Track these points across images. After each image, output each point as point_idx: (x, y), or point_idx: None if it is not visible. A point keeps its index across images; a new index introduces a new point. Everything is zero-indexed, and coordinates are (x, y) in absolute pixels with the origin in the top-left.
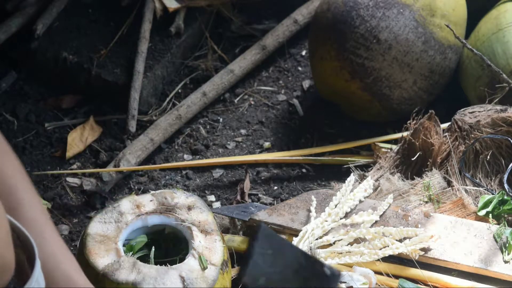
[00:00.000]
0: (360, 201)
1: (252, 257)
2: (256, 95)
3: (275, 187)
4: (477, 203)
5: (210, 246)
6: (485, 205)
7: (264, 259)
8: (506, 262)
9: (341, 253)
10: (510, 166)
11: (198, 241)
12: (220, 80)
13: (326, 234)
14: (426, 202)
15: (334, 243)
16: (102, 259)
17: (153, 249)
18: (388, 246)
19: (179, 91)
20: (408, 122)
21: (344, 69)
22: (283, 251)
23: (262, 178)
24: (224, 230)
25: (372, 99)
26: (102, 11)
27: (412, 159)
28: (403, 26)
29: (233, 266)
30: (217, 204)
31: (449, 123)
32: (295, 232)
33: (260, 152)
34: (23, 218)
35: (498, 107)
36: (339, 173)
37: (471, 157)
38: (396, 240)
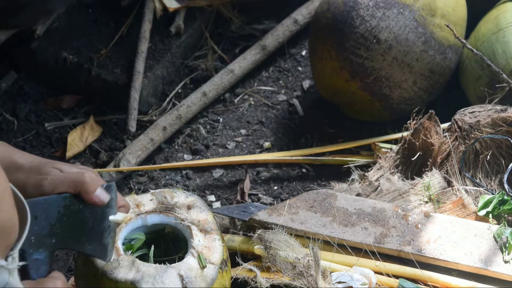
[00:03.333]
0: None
1: (27, 209)
2: (256, 95)
3: (275, 187)
4: (477, 203)
5: (209, 245)
6: (485, 205)
7: (33, 230)
8: (506, 262)
9: None
10: (510, 166)
11: (198, 240)
12: (220, 80)
13: None
14: (426, 202)
15: None
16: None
17: (152, 247)
18: None
19: (179, 91)
20: (408, 122)
21: (344, 69)
22: (42, 209)
23: (262, 178)
24: (224, 230)
25: (372, 99)
26: (102, 11)
27: (412, 159)
28: (403, 26)
29: (233, 266)
30: (217, 204)
31: (449, 123)
32: (295, 232)
33: (260, 152)
34: None
35: (498, 107)
36: (339, 173)
37: (471, 157)
38: None
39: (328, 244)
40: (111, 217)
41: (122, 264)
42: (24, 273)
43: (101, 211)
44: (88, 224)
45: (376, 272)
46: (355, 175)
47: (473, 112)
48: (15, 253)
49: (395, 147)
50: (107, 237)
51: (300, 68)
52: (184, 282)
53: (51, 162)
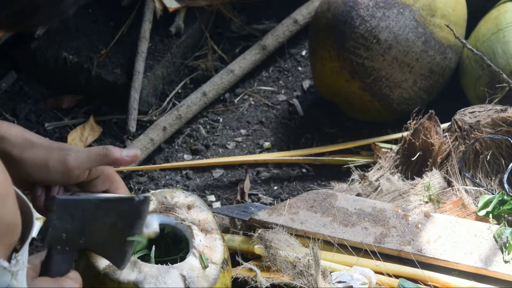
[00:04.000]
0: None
1: (50, 225)
2: (256, 95)
3: (275, 187)
4: (477, 203)
5: (210, 245)
6: (485, 205)
7: (62, 222)
8: (506, 262)
9: None
10: (510, 166)
11: (199, 240)
12: (220, 80)
13: None
14: (426, 202)
15: None
16: (102, 259)
17: (153, 248)
18: None
19: (179, 91)
20: (408, 122)
21: (344, 69)
22: (80, 209)
23: (262, 178)
24: (224, 230)
25: (372, 99)
26: (102, 11)
27: (412, 159)
28: (403, 26)
29: (233, 266)
30: (217, 204)
31: (449, 123)
32: (296, 232)
33: (260, 152)
34: None
35: (498, 107)
36: (339, 173)
37: (471, 157)
38: None
39: (328, 243)
40: (147, 231)
41: None
42: (45, 268)
43: (132, 221)
44: (116, 231)
45: (376, 272)
46: (355, 175)
47: (473, 112)
48: (20, 256)
49: (395, 147)
50: (129, 246)
51: (300, 68)
52: (186, 282)
53: (65, 144)
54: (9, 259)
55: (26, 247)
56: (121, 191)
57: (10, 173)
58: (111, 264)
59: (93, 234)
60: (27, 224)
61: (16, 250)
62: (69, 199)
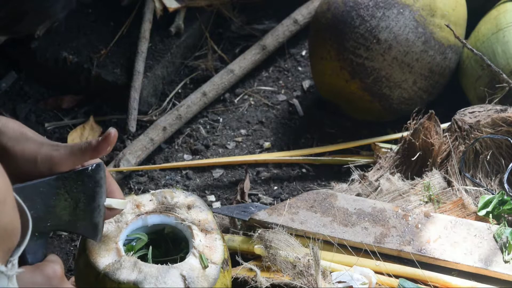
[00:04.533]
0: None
1: (28, 217)
2: (256, 95)
3: (275, 187)
4: (477, 203)
5: (210, 245)
6: (485, 205)
7: (30, 213)
8: (506, 262)
9: None
10: (510, 166)
11: (199, 240)
12: (220, 80)
13: None
14: (426, 202)
15: None
16: (102, 259)
17: (150, 248)
18: None
19: (179, 91)
20: (408, 122)
21: (344, 69)
22: (38, 192)
23: (262, 178)
24: (224, 230)
25: (372, 99)
26: (102, 11)
27: (412, 159)
28: (403, 26)
29: (233, 266)
30: (217, 204)
31: (449, 123)
32: (296, 232)
33: (260, 152)
34: None
35: (498, 107)
36: (339, 173)
37: (471, 157)
38: None
39: (328, 243)
40: (108, 201)
41: (124, 265)
42: (21, 259)
43: (92, 190)
44: (79, 204)
45: (376, 272)
46: (355, 175)
47: (473, 112)
48: (15, 259)
49: (395, 147)
50: (97, 216)
51: (300, 68)
52: (186, 282)
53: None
54: (6, 263)
55: (20, 252)
56: (116, 193)
57: (3, 164)
58: (111, 263)
59: (58, 215)
60: (23, 228)
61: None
62: (25, 185)
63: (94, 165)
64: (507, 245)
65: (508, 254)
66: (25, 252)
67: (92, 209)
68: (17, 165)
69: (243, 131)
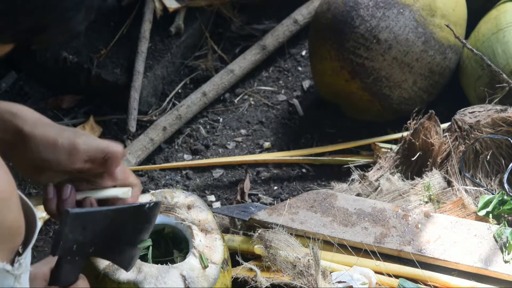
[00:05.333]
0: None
1: (62, 238)
2: (256, 95)
3: (275, 187)
4: (477, 203)
5: (210, 245)
6: (485, 205)
7: (74, 234)
8: (506, 262)
9: None
10: (510, 166)
11: (199, 240)
12: (220, 80)
13: None
14: (426, 202)
15: None
16: (103, 259)
17: (150, 248)
18: None
19: (179, 91)
20: (408, 122)
21: (344, 69)
22: (93, 220)
23: (262, 178)
24: (224, 230)
25: (372, 99)
26: (102, 11)
27: (412, 159)
28: (403, 26)
29: (233, 266)
30: (217, 204)
31: (449, 123)
32: (296, 232)
33: (260, 152)
34: None
35: (498, 107)
36: (339, 173)
37: (471, 157)
38: None
39: (328, 243)
40: (113, 192)
41: None
42: (54, 276)
43: (142, 226)
44: (124, 237)
45: (376, 272)
46: (355, 175)
47: (473, 112)
48: (23, 259)
49: (395, 147)
50: (138, 250)
51: (300, 68)
52: (186, 282)
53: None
54: (12, 262)
55: (29, 251)
56: (134, 184)
57: (19, 152)
58: (111, 264)
59: (102, 243)
60: (30, 227)
61: (19, 253)
62: (82, 212)
63: (153, 203)
64: (507, 245)
65: (508, 254)
66: (60, 272)
67: (135, 243)
68: (36, 150)
69: (243, 131)
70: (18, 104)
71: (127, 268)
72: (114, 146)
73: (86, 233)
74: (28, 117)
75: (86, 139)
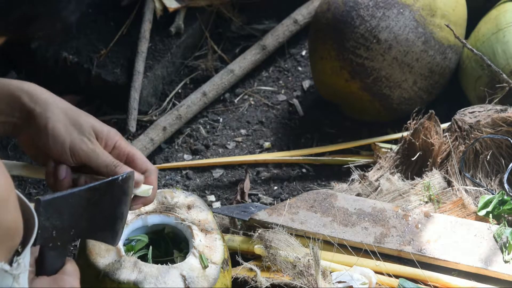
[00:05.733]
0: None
1: (38, 227)
2: (256, 95)
3: (275, 187)
4: (477, 203)
5: (210, 245)
6: (485, 205)
7: (51, 221)
8: (506, 262)
9: None
10: (510, 166)
11: (199, 240)
12: (220, 80)
13: None
14: (426, 202)
15: None
16: (103, 259)
17: (150, 248)
18: None
19: (179, 91)
20: (408, 122)
21: (344, 69)
22: (67, 204)
23: (262, 178)
24: (224, 230)
25: (372, 99)
26: (102, 11)
27: (412, 159)
28: (403, 26)
29: (233, 266)
30: (217, 204)
31: (449, 123)
32: (296, 232)
33: (260, 152)
34: None
35: (498, 107)
36: (339, 173)
37: (471, 157)
38: None
39: (328, 243)
40: (137, 191)
41: (124, 265)
42: (40, 265)
43: (118, 199)
44: (103, 213)
45: (376, 272)
46: (355, 175)
47: (473, 112)
48: (21, 259)
49: (395, 147)
50: (119, 224)
51: (300, 68)
52: (186, 282)
53: (86, 119)
54: (10, 262)
55: (27, 250)
56: (137, 159)
57: (26, 133)
58: (111, 263)
59: (82, 224)
60: (28, 227)
61: (18, 252)
62: (54, 197)
63: (125, 175)
64: (507, 245)
65: (508, 254)
66: (44, 261)
67: (115, 217)
68: (43, 138)
69: (243, 131)
70: (29, 82)
71: (113, 243)
72: (124, 168)
73: (63, 217)
74: (39, 97)
75: (95, 152)
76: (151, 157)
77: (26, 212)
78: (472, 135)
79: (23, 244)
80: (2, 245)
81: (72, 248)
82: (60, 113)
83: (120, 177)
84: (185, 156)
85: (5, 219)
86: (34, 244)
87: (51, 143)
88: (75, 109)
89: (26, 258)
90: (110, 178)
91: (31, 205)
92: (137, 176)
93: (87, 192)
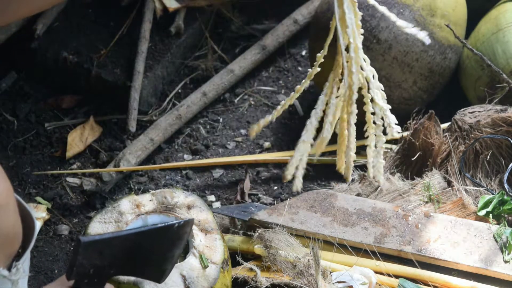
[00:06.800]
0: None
1: (75, 265)
2: (256, 95)
3: (275, 187)
4: (477, 203)
5: (210, 245)
6: (485, 205)
7: (89, 260)
8: (506, 262)
9: None
10: (510, 166)
11: (199, 240)
12: (220, 80)
13: None
14: (426, 202)
15: None
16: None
17: None
18: None
19: (179, 91)
20: (408, 122)
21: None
22: (110, 246)
23: (262, 178)
24: (224, 230)
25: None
26: (102, 11)
27: (412, 159)
28: None
29: (233, 266)
30: (217, 204)
31: (449, 123)
32: (296, 232)
33: (260, 152)
34: None
35: (498, 107)
36: (339, 173)
37: (471, 157)
38: None
39: (328, 243)
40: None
41: None
42: None
43: (171, 244)
44: (152, 256)
45: (376, 272)
46: (355, 175)
47: (473, 112)
48: (20, 264)
49: (395, 147)
50: (168, 264)
51: (300, 68)
52: (186, 282)
53: None
54: (9, 267)
55: (27, 255)
56: None
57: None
58: None
59: (125, 264)
60: (28, 232)
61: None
62: (96, 240)
63: (182, 222)
64: (507, 245)
65: (508, 254)
66: None
67: (165, 259)
68: None
69: (243, 131)
70: None
71: (158, 281)
72: None
73: (104, 257)
74: None
75: None
76: (151, 157)
77: (25, 217)
78: (472, 135)
79: (23, 248)
80: (1, 251)
81: (72, 249)
82: None
83: (177, 224)
84: (185, 156)
85: (4, 225)
86: (69, 278)
87: None
88: None
89: (26, 263)
90: (164, 224)
91: (31, 210)
92: None
93: (136, 236)
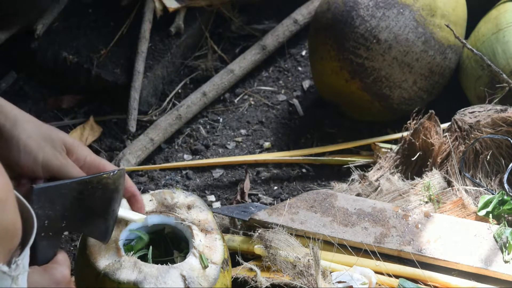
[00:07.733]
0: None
1: (33, 216)
2: (256, 95)
3: (275, 187)
4: (477, 203)
5: (210, 245)
6: (485, 205)
7: (44, 210)
8: (506, 262)
9: None
10: (510, 166)
11: (199, 240)
12: (220, 80)
13: None
14: (426, 202)
15: None
16: (102, 259)
17: (150, 248)
18: None
19: (179, 91)
20: (408, 122)
21: (344, 69)
22: (59, 194)
23: (262, 178)
24: (224, 230)
25: (372, 99)
26: (102, 11)
27: (412, 159)
28: (403, 26)
29: (233, 266)
30: (217, 204)
31: (449, 123)
32: (296, 232)
33: (260, 152)
34: None
35: (498, 107)
36: (339, 173)
37: (471, 157)
38: None
39: (328, 243)
40: (124, 214)
41: (124, 265)
42: (31, 255)
43: (110, 195)
44: (95, 208)
45: (376, 272)
46: (355, 175)
47: (473, 112)
48: (20, 260)
49: (395, 147)
50: (110, 220)
51: (300, 68)
52: (186, 282)
53: (57, 134)
54: (9, 263)
55: (27, 251)
56: (137, 197)
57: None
58: (111, 263)
59: (74, 216)
60: (27, 228)
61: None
62: (48, 186)
63: (116, 171)
64: (507, 245)
65: (508, 254)
66: (36, 251)
67: (107, 213)
68: (15, 154)
69: (243, 131)
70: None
71: (103, 239)
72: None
73: (56, 207)
74: (9, 113)
75: (67, 166)
76: (151, 157)
77: (24, 213)
78: (472, 135)
79: (22, 244)
80: (1, 247)
81: (72, 249)
82: (31, 129)
83: (112, 173)
84: (185, 156)
85: (4, 220)
86: None
87: (22, 158)
88: (45, 125)
89: (25, 259)
90: (101, 173)
91: (30, 206)
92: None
93: (78, 184)
